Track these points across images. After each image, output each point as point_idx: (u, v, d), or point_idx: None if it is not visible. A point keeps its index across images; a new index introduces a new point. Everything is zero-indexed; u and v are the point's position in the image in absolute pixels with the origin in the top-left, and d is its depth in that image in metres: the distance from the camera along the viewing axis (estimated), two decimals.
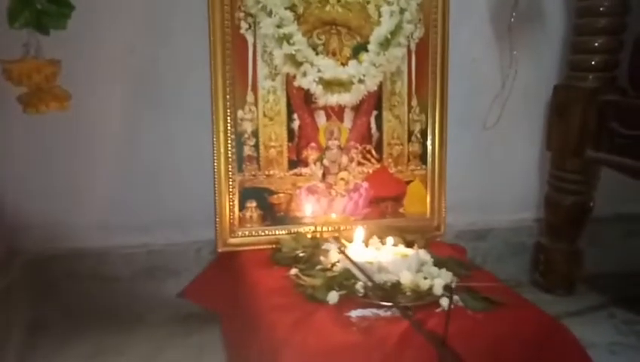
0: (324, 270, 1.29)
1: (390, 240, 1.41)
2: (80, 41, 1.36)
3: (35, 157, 1.46)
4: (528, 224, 1.92)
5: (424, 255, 1.36)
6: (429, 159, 1.66)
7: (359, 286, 1.20)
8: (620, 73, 1.69)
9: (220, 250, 1.49)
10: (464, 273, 1.33)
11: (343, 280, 1.22)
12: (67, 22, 1.15)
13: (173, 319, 1.58)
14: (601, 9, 1.63)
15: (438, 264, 1.33)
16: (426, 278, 1.24)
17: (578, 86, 1.70)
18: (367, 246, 1.41)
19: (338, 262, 1.31)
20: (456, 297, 1.19)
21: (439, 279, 1.23)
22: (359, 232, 1.40)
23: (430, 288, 1.21)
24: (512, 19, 1.67)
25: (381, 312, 1.15)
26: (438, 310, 1.16)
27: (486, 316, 1.14)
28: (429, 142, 1.65)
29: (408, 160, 1.65)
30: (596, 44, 1.65)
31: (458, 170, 1.71)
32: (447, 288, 1.18)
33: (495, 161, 1.84)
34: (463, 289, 1.21)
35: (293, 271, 1.31)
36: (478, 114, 1.77)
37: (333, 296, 1.17)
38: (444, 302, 1.16)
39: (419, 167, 1.66)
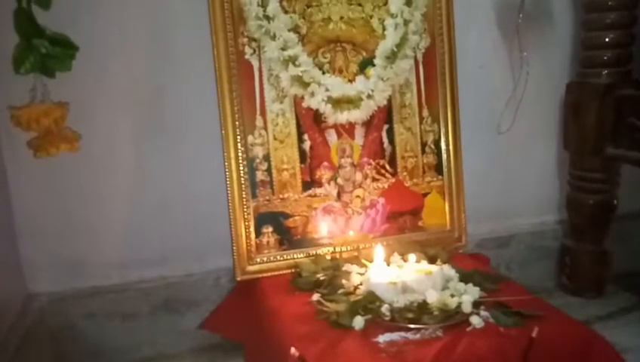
0: (347, 294, 1.26)
1: (412, 256, 1.37)
2: (85, 77, 1.36)
3: (46, 198, 1.45)
4: (551, 227, 1.88)
5: (448, 270, 1.32)
6: (445, 169, 1.63)
7: (385, 309, 1.17)
8: (634, 67, 1.66)
9: (238, 279, 1.46)
10: (491, 286, 1.29)
11: (368, 303, 1.19)
12: (72, 63, 1.14)
13: (195, 351, 1.56)
14: (609, 3, 1.60)
15: (464, 278, 1.29)
16: (453, 295, 1.20)
17: (592, 82, 1.66)
18: (388, 264, 1.37)
19: (361, 284, 1.28)
20: (486, 314, 1.16)
21: (467, 296, 1.19)
22: (379, 251, 1.36)
23: (458, 306, 1.17)
24: (519, 20, 1.64)
25: (409, 335, 1.11)
26: (469, 329, 1.12)
27: (519, 332, 1.10)
28: (443, 152, 1.62)
29: (423, 172, 1.62)
30: (607, 40, 1.62)
31: (475, 178, 1.68)
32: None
33: (512, 165, 1.81)
34: (492, 304, 1.18)
35: (315, 296, 1.28)
36: (492, 119, 1.74)
37: (358, 322, 1.14)
38: (475, 320, 1.12)
39: (435, 178, 1.63)
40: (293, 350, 1.05)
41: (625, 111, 1.60)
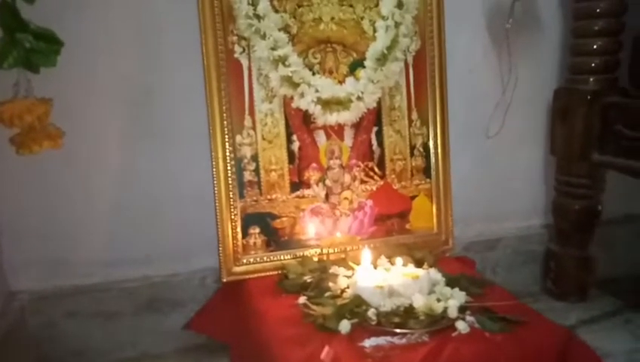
0: (334, 297, 1.25)
1: (399, 260, 1.37)
2: (70, 74, 1.33)
3: (30, 195, 1.42)
4: (537, 231, 1.89)
5: (435, 274, 1.32)
6: (433, 172, 1.63)
7: (371, 313, 1.16)
8: (621, 74, 1.67)
9: (225, 280, 1.45)
10: (477, 291, 1.29)
11: (354, 307, 1.18)
12: (57, 58, 1.12)
13: (180, 352, 1.55)
14: (597, 10, 1.61)
15: (450, 283, 1.29)
16: (439, 300, 1.20)
17: (579, 89, 1.67)
18: (375, 267, 1.37)
19: (347, 287, 1.27)
20: (471, 319, 1.16)
21: (453, 300, 1.19)
22: (366, 254, 1.36)
23: (444, 311, 1.17)
24: (509, 25, 1.64)
25: (395, 340, 1.11)
26: (454, 334, 1.12)
27: (504, 337, 1.11)
28: (432, 155, 1.62)
29: (412, 174, 1.61)
30: (595, 47, 1.63)
31: (463, 182, 1.68)
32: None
33: (500, 169, 1.82)
34: (478, 309, 1.18)
35: (302, 299, 1.27)
36: (480, 123, 1.74)
37: (345, 326, 1.14)
38: (461, 325, 1.13)
39: (423, 181, 1.63)
40: (326, 350, 1.03)
41: (611, 118, 1.61)
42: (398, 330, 1.12)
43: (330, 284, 1.31)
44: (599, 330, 1.63)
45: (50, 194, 1.43)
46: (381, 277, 1.29)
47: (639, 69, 1.63)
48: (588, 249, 1.80)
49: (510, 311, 1.18)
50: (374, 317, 1.16)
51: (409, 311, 1.17)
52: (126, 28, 1.41)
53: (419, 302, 1.18)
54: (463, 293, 1.24)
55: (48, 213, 1.44)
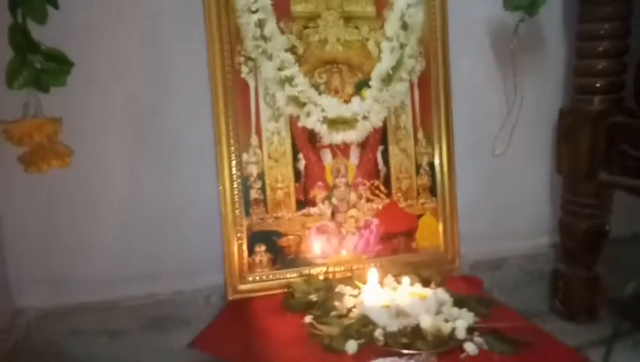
0: (340, 316, 1.25)
1: (406, 279, 1.36)
2: (79, 93, 1.34)
3: (36, 212, 1.43)
4: (544, 250, 1.88)
5: (442, 294, 1.31)
6: (439, 191, 1.63)
7: (378, 333, 1.15)
8: (627, 94, 1.68)
9: (230, 298, 1.44)
10: (485, 312, 1.28)
11: (361, 327, 1.17)
12: (67, 78, 1.14)
13: None
14: (601, 32, 1.62)
15: (458, 303, 1.29)
16: (447, 320, 1.19)
17: (585, 109, 1.67)
18: (382, 286, 1.36)
19: (354, 307, 1.26)
20: (480, 340, 1.15)
21: (461, 321, 1.18)
22: (373, 273, 1.35)
23: (452, 331, 1.16)
24: (513, 46, 1.66)
25: (403, 361, 1.09)
26: (462, 356, 1.11)
27: (514, 360, 1.09)
28: (437, 174, 1.62)
29: (418, 193, 1.62)
30: (599, 67, 1.64)
31: (469, 200, 1.68)
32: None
33: (506, 188, 1.81)
34: (486, 330, 1.17)
35: (308, 318, 1.27)
36: (486, 142, 1.74)
37: (352, 346, 1.13)
38: (469, 347, 1.11)
39: (429, 200, 1.63)
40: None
41: (617, 138, 1.61)
42: (405, 351, 1.11)
43: (337, 303, 1.30)
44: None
45: (56, 212, 1.43)
46: (388, 296, 1.28)
47: None
48: (595, 268, 1.78)
49: (520, 333, 1.16)
50: (381, 338, 1.15)
51: (416, 332, 1.16)
52: (134, 47, 1.43)
53: (426, 322, 1.17)
54: (471, 314, 1.23)
55: (54, 231, 1.44)
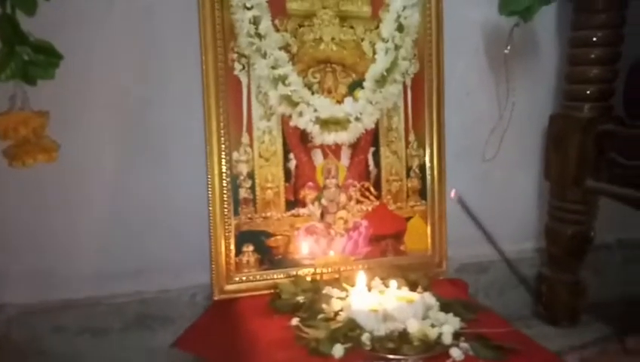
0: (327, 320, 1.24)
1: (393, 282, 1.36)
2: (67, 86, 1.31)
3: (20, 206, 1.39)
4: (529, 255, 1.90)
5: (429, 298, 1.31)
6: (429, 194, 1.63)
7: (365, 337, 1.15)
8: (616, 102, 1.69)
9: (216, 298, 1.43)
10: (470, 317, 1.28)
11: (348, 331, 1.17)
12: (55, 71, 1.11)
13: None
14: (594, 39, 1.63)
15: (444, 307, 1.29)
16: (433, 325, 1.19)
17: (574, 116, 1.69)
18: (369, 289, 1.36)
19: (341, 310, 1.26)
20: (466, 346, 1.15)
21: (447, 326, 1.19)
22: (361, 277, 1.35)
23: (439, 337, 1.16)
24: (507, 51, 1.66)
25: None
26: (448, 361, 1.11)
27: None
28: (427, 177, 1.62)
29: (407, 196, 1.61)
30: (591, 74, 1.65)
31: (458, 204, 1.68)
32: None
33: (494, 192, 1.82)
34: (472, 336, 1.17)
35: (294, 320, 1.26)
36: (477, 146, 1.75)
37: (338, 350, 1.12)
38: (455, 352, 1.12)
39: (418, 203, 1.62)
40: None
41: (606, 145, 1.63)
42: (391, 356, 1.11)
43: (324, 306, 1.30)
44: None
45: (40, 207, 1.41)
46: (375, 300, 1.27)
47: (634, 97, 1.66)
48: (579, 274, 1.80)
49: (504, 338, 1.17)
50: (368, 342, 1.14)
51: (403, 337, 1.16)
52: (125, 40, 1.40)
53: (413, 327, 1.17)
54: (457, 319, 1.23)
55: (38, 225, 1.41)
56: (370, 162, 1.57)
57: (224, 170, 1.42)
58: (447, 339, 1.15)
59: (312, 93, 1.46)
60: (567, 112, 1.72)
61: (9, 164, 1.11)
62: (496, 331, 1.20)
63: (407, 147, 1.60)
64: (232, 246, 1.45)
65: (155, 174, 1.47)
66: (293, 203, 1.50)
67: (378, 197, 1.58)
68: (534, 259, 1.90)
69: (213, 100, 1.40)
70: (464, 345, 1.15)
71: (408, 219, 1.62)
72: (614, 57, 1.65)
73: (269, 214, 1.48)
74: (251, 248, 1.46)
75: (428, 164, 1.62)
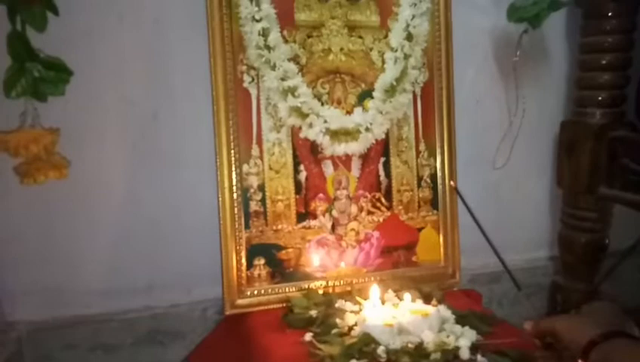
0: (341, 335, 1.22)
1: (407, 295, 1.34)
2: (77, 102, 1.30)
3: (30, 222, 1.38)
4: (542, 263, 1.87)
5: (445, 311, 1.29)
6: (440, 204, 1.61)
7: (381, 350, 1.13)
8: (627, 107, 1.67)
9: (227, 313, 1.42)
10: (486, 329, 1.26)
11: (363, 346, 1.15)
12: (65, 87, 1.10)
13: None
14: (605, 45, 1.61)
15: (460, 320, 1.27)
16: (449, 337, 1.18)
17: (586, 122, 1.66)
18: (383, 303, 1.34)
19: (355, 324, 1.24)
20: (483, 360, 1.13)
21: (464, 339, 1.17)
22: (375, 290, 1.33)
23: (456, 349, 1.14)
24: (517, 58, 1.65)
25: None
26: None
27: None
28: (439, 187, 1.61)
29: (419, 206, 1.60)
30: (602, 80, 1.63)
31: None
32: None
33: (506, 200, 1.80)
34: (489, 348, 1.15)
35: (308, 336, 1.24)
36: (487, 154, 1.73)
37: None
38: None
39: (430, 213, 1.61)
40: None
41: (619, 152, 1.60)
42: None
43: (337, 321, 1.28)
44: None
45: (50, 223, 1.39)
46: (389, 313, 1.26)
47: None
48: (594, 282, 1.77)
49: (521, 350, 1.15)
50: (384, 355, 1.12)
51: (419, 349, 1.14)
52: (134, 54, 1.39)
53: (429, 338, 1.15)
54: (474, 332, 1.21)
55: (48, 242, 1.40)
56: (381, 172, 1.55)
57: (234, 183, 1.41)
58: (464, 354, 1.13)
59: (322, 104, 1.45)
60: (578, 119, 1.70)
61: (21, 181, 1.10)
62: (512, 341, 1.18)
63: (417, 156, 1.59)
64: (244, 260, 1.43)
65: (165, 188, 1.46)
66: (304, 215, 1.49)
67: (389, 207, 1.56)
68: (548, 268, 1.87)
69: (222, 113, 1.39)
70: (481, 358, 1.13)
71: (420, 229, 1.60)
72: (625, 63, 1.63)
73: (280, 227, 1.46)
74: (262, 261, 1.45)
75: (439, 174, 1.61)
